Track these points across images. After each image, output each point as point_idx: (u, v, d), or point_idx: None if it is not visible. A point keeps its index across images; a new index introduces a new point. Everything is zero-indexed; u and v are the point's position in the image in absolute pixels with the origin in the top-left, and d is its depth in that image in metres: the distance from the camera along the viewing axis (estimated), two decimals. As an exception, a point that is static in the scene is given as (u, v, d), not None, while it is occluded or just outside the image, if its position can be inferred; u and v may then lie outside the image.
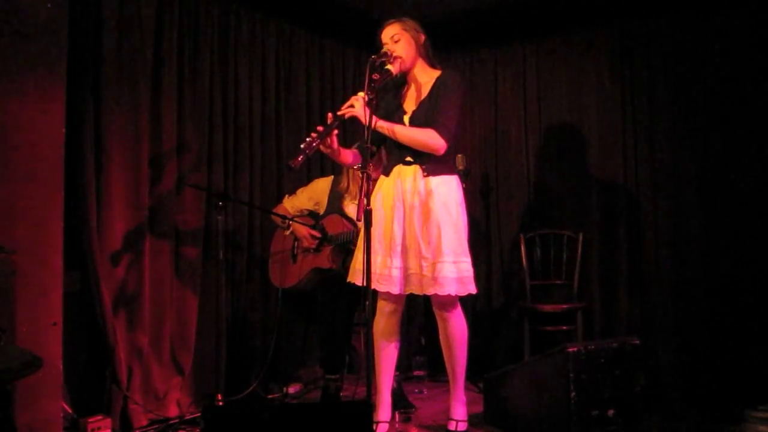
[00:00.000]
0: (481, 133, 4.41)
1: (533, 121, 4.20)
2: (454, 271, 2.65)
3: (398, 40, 2.75)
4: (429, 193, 2.69)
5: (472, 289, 2.71)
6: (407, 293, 2.75)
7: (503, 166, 4.32)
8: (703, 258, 3.52)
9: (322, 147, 2.58)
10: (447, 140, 2.67)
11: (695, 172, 3.57)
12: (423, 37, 2.81)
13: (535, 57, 4.21)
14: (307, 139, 2.49)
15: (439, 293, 2.65)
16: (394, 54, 2.72)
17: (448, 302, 2.75)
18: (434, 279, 2.64)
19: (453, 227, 2.68)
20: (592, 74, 3.97)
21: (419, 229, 2.68)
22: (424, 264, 2.66)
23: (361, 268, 2.75)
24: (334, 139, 2.64)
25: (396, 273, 2.71)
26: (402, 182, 2.74)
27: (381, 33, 2.80)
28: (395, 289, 2.71)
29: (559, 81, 4.11)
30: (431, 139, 2.66)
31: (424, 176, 2.71)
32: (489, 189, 4.35)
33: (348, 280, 2.84)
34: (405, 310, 2.98)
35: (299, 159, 2.41)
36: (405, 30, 2.76)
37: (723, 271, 3.45)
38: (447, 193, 2.71)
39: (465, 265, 2.68)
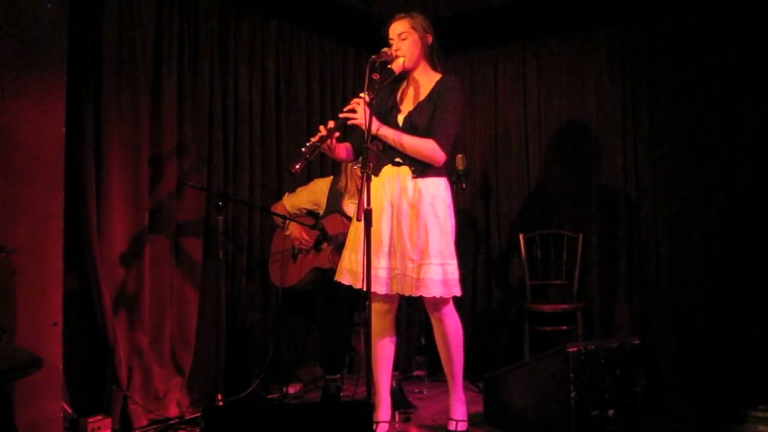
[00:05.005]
0: (481, 133, 4.41)
1: (533, 121, 4.20)
2: (440, 273, 2.64)
3: (405, 38, 2.71)
4: (417, 194, 2.68)
5: (457, 291, 2.71)
6: (397, 293, 2.74)
7: (503, 166, 4.32)
8: (702, 258, 3.52)
9: (322, 149, 2.58)
10: (446, 152, 2.69)
11: (695, 171, 3.56)
12: (430, 38, 2.77)
13: (535, 57, 4.20)
14: (308, 144, 2.48)
15: (425, 295, 2.65)
16: (397, 53, 2.70)
17: (439, 303, 2.75)
18: (420, 281, 2.63)
19: (440, 229, 2.67)
20: (592, 74, 3.97)
21: (406, 230, 2.67)
22: (410, 265, 2.65)
23: (348, 267, 2.77)
24: (334, 141, 2.64)
25: (382, 273, 2.70)
26: (390, 183, 2.73)
27: (389, 27, 2.76)
28: (381, 290, 2.70)
29: (559, 81, 4.11)
30: (433, 151, 2.66)
31: (413, 177, 2.70)
32: (489, 189, 4.35)
33: (335, 278, 2.84)
34: (400, 310, 2.97)
35: (300, 164, 2.41)
36: (413, 29, 2.72)
37: (723, 271, 3.45)
38: (435, 194, 2.70)
39: (451, 267, 2.68)
